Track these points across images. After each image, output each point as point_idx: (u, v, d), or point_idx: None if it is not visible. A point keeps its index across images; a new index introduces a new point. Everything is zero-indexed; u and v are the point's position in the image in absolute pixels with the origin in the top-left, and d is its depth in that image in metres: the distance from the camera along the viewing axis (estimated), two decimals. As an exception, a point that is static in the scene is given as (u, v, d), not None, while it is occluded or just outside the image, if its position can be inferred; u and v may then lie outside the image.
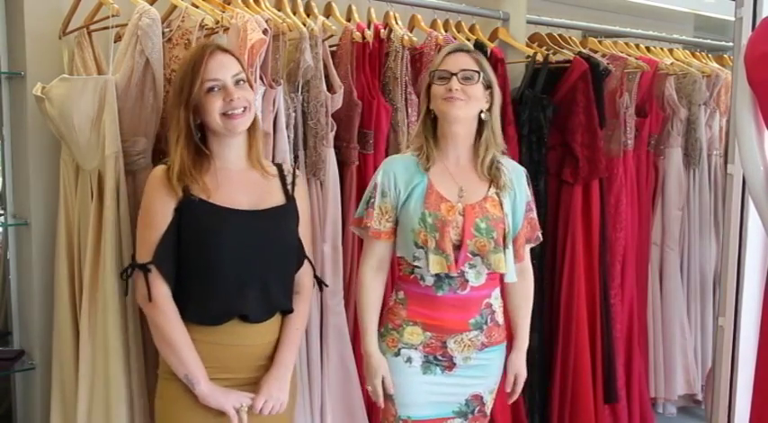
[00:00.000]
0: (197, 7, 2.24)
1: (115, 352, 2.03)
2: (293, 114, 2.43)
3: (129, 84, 2.08)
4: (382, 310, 2.12)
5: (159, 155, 2.19)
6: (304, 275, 2.04)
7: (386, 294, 2.15)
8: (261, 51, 2.11)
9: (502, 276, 2.09)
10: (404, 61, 2.71)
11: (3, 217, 2.56)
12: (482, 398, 2.12)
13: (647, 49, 3.71)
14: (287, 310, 1.98)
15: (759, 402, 2.02)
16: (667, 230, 3.64)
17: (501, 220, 2.03)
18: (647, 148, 3.52)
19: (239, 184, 1.91)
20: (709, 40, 4.40)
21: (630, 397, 3.38)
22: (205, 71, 1.83)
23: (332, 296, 2.55)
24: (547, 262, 3.12)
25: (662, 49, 3.81)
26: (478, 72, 2.01)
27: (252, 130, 1.93)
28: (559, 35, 3.44)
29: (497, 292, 2.11)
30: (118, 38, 2.21)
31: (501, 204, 2.05)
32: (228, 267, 1.86)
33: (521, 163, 2.39)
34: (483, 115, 2.04)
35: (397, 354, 2.06)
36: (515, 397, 2.23)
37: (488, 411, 2.16)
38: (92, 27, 2.30)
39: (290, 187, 1.99)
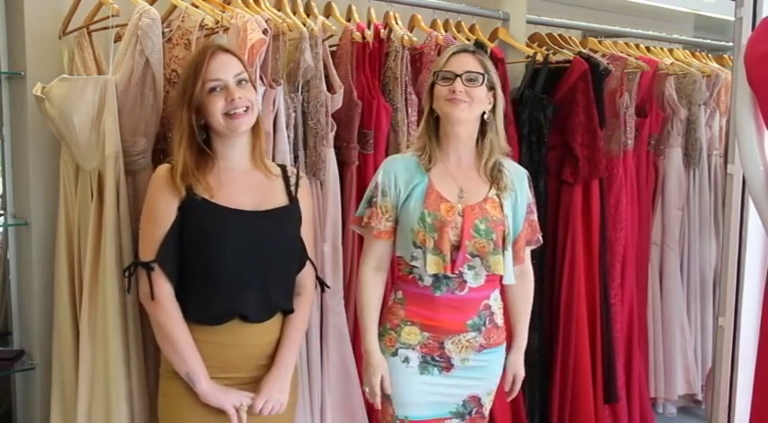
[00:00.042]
0: (197, 7, 2.24)
1: (115, 352, 2.03)
2: (293, 114, 2.43)
3: (129, 84, 2.08)
4: (382, 310, 2.12)
5: (159, 155, 2.20)
6: (306, 276, 2.04)
7: (386, 294, 2.15)
8: (261, 51, 2.11)
9: (501, 278, 2.09)
10: (404, 61, 2.71)
11: (3, 217, 2.56)
12: (480, 399, 2.12)
13: (647, 49, 3.71)
14: (288, 311, 1.99)
15: (759, 402, 2.02)
16: (667, 230, 3.64)
17: (501, 222, 2.03)
18: (647, 148, 3.51)
19: (242, 184, 1.92)
20: (709, 40, 4.40)
21: (630, 397, 3.38)
22: (207, 71, 1.84)
23: (332, 296, 2.55)
24: (547, 262, 3.12)
25: (662, 49, 3.81)
26: (483, 74, 2.01)
27: (255, 130, 1.94)
28: (559, 35, 3.44)
29: (497, 293, 2.11)
30: (118, 38, 2.21)
31: (501, 206, 2.05)
32: (230, 267, 1.86)
33: (521, 163, 2.40)
34: (486, 117, 2.04)
35: (395, 353, 2.06)
36: (513, 395, 2.23)
37: (486, 413, 2.16)
38: (92, 27, 2.30)
39: (293, 188, 2.00)
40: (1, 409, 2.61)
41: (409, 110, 2.74)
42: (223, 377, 1.89)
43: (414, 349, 2.05)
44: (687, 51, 3.95)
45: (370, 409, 2.59)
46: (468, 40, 3.03)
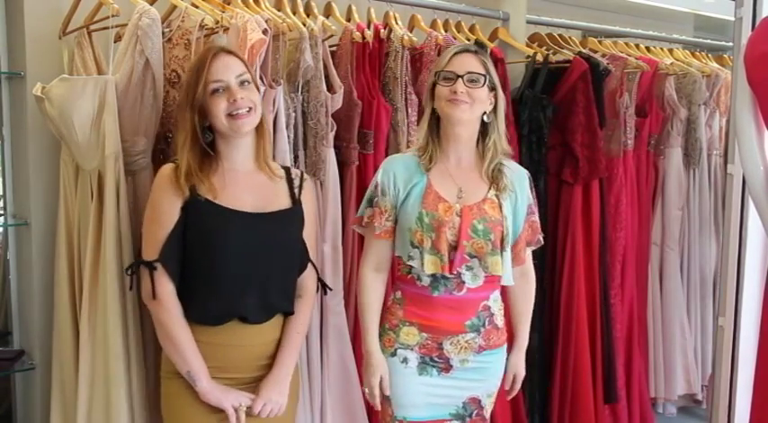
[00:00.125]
0: (197, 7, 2.24)
1: (115, 352, 2.03)
2: (293, 114, 2.43)
3: (129, 84, 2.08)
4: (381, 310, 2.12)
5: (159, 155, 2.20)
6: (307, 279, 2.04)
7: (386, 294, 2.15)
8: (261, 51, 2.11)
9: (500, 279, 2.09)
10: (404, 61, 2.71)
11: (3, 217, 2.56)
12: (480, 401, 2.11)
13: (647, 49, 3.71)
14: (288, 313, 1.99)
15: (759, 402, 2.02)
16: (667, 230, 3.64)
17: (499, 223, 2.02)
18: (647, 148, 3.51)
19: (246, 185, 1.92)
20: (709, 40, 4.40)
21: (630, 397, 3.38)
22: (208, 73, 1.84)
23: (332, 296, 2.54)
24: (547, 262, 3.11)
25: (662, 49, 3.80)
26: (484, 75, 2.00)
27: (259, 131, 1.94)
28: (559, 35, 3.44)
29: (497, 294, 2.10)
30: (118, 38, 2.21)
31: (500, 206, 2.04)
32: (232, 268, 1.86)
33: (521, 163, 2.39)
34: (485, 117, 2.04)
35: (394, 354, 2.06)
36: (513, 394, 2.23)
37: (487, 415, 2.15)
38: (92, 27, 2.30)
39: (296, 191, 2.00)
40: (1, 410, 2.61)
41: (409, 110, 2.74)
42: (224, 377, 1.89)
43: (412, 350, 2.05)
44: (687, 51, 3.95)
45: (370, 409, 2.59)
46: (468, 40, 3.02)
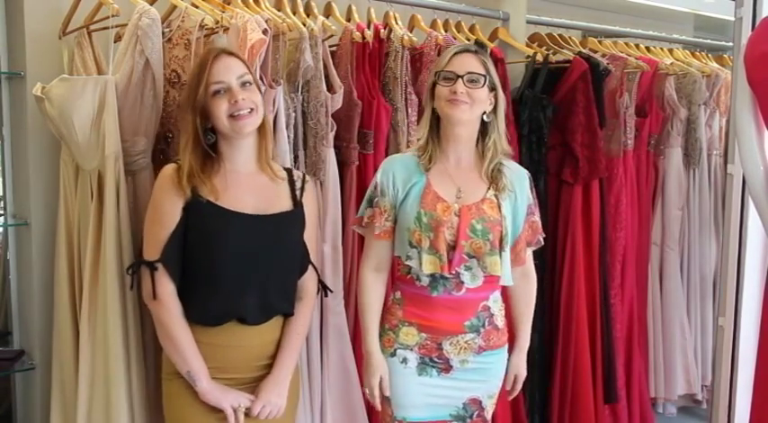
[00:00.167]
0: (197, 7, 2.24)
1: (115, 352, 2.03)
2: (293, 114, 2.43)
3: (129, 84, 2.08)
4: (382, 310, 2.12)
5: (159, 155, 2.20)
6: (308, 281, 2.04)
7: (386, 294, 2.14)
8: (261, 51, 2.11)
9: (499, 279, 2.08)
10: (404, 61, 2.71)
11: (3, 217, 2.56)
12: (481, 402, 2.10)
13: (647, 49, 3.71)
14: (287, 314, 1.99)
15: (759, 402, 2.02)
16: (667, 230, 3.64)
17: (498, 223, 2.02)
18: (647, 148, 3.51)
19: (248, 187, 1.92)
20: (709, 40, 4.40)
21: (630, 397, 3.38)
22: (210, 74, 1.85)
23: (332, 296, 2.54)
24: (547, 262, 3.11)
25: (662, 49, 3.80)
26: (484, 75, 2.00)
27: (261, 132, 1.94)
28: (559, 35, 3.44)
29: (497, 295, 2.10)
30: (118, 38, 2.21)
31: (499, 206, 2.03)
32: (232, 270, 1.87)
33: (521, 163, 2.39)
34: (485, 117, 2.04)
35: (393, 354, 2.06)
36: (514, 394, 2.23)
37: (489, 417, 2.14)
38: (92, 27, 2.30)
39: (298, 193, 2.00)
40: (1, 410, 2.61)
41: (409, 110, 2.74)
42: (224, 378, 1.89)
43: (412, 350, 2.05)
44: (687, 51, 3.95)
45: (370, 409, 2.59)
46: (468, 40, 3.02)
